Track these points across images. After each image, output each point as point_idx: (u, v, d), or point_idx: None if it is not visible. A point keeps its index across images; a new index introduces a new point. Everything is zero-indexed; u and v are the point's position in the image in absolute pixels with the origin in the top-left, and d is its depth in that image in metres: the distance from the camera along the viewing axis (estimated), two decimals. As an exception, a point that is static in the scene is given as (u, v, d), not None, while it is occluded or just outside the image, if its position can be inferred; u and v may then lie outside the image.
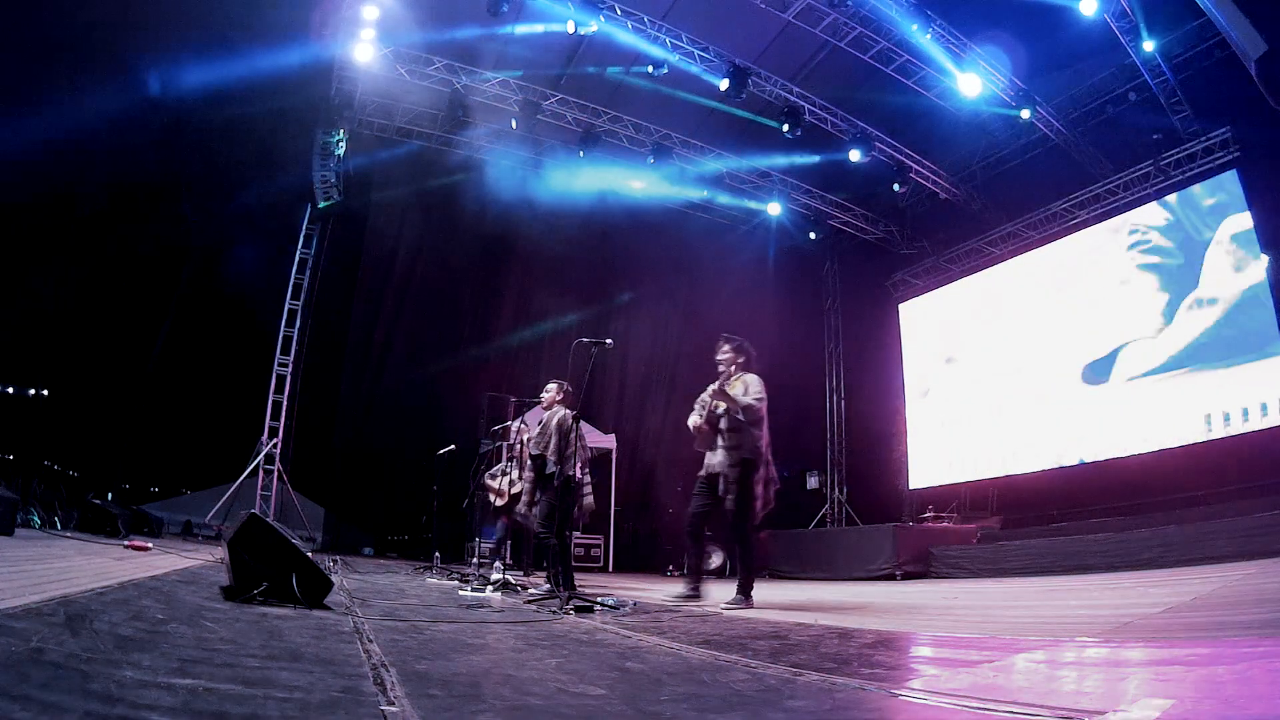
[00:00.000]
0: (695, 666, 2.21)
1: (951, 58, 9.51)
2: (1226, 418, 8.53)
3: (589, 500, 7.04)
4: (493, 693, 1.65)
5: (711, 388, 4.93)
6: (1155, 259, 9.75)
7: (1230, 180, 8.99)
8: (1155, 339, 9.50)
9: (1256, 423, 8.23)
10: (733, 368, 5.00)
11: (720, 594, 4.81)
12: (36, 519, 7.50)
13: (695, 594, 4.85)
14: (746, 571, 4.75)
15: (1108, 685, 1.87)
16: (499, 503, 7.87)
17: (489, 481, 7.93)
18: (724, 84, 9.96)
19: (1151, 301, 9.64)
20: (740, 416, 4.78)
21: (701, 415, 4.94)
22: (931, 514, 11.24)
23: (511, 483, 7.83)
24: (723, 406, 4.85)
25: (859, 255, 14.21)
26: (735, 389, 4.88)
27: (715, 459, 4.88)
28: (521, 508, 6.51)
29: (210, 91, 9.82)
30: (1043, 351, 10.91)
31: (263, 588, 3.04)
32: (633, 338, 14.59)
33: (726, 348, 5.06)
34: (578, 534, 10.15)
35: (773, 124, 10.89)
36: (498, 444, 8.06)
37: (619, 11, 9.44)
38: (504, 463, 7.95)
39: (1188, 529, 6.72)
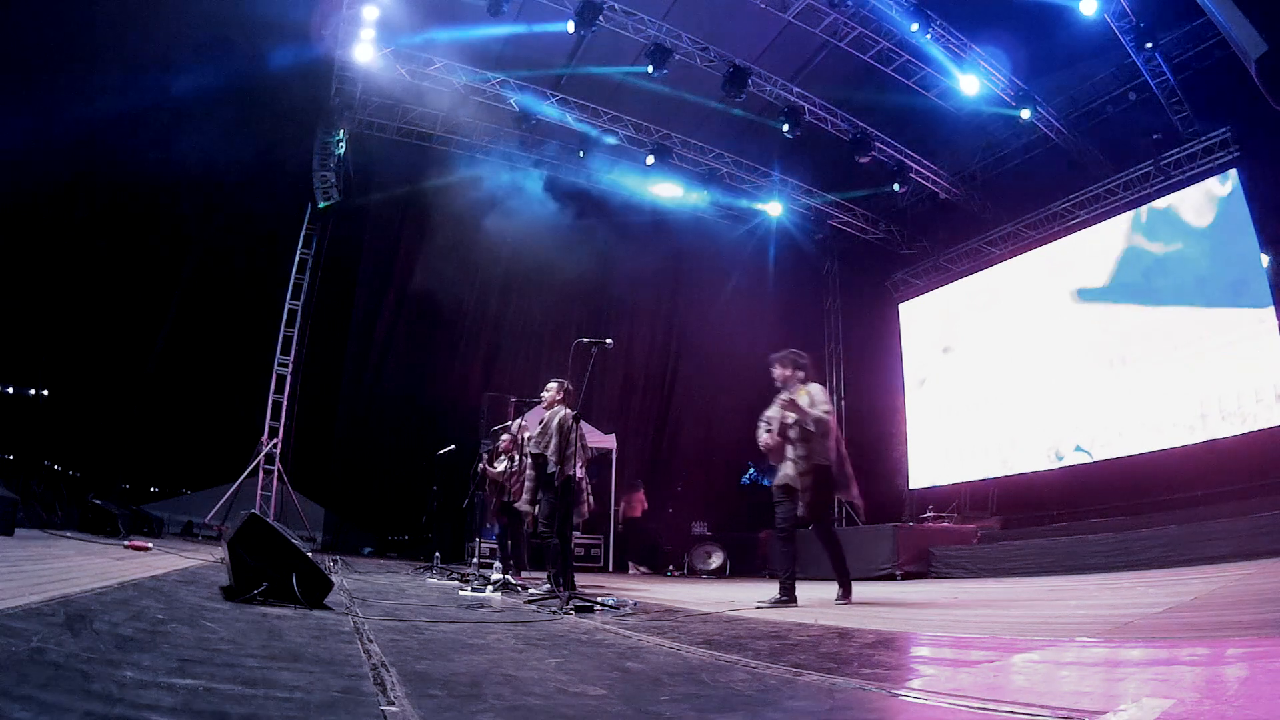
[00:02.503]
0: (695, 666, 2.21)
1: (951, 58, 9.52)
2: (1221, 407, 8.54)
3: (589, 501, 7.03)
4: (493, 693, 1.65)
5: (780, 399, 4.96)
6: (1156, 259, 9.75)
7: (1230, 180, 8.99)
8: (1156, 339, 9.50)
9: (1255, 422, 8.23)
10: (795, 383, 4.99)
11: (704, 593, 4.81)
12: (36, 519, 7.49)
13: (789, 599, 4.76)
14: (841, 573, 4.88)
15: (1108, 685, 1.87)
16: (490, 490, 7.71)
17: (490, 469, 7.69)
18: (724, 84, 9.95)
19: (1151, 301, 9.63)
20: (810, 427, 4.83)
21: (771, 431, 4.95)
22: (931, 514, 11.23)
23: (487, 465, 7.71)
24: (792, 416, 4.88)
25: (859, 255, 14.20)
26: (801, 400, 4.89)
27: (786, 470, 4.93)
28: (523, 505, 6.48)
29: (211, 91, 9.82)
30: (1042, 351, 10.90)
31: (263, 588, 3.04)
32: (633, 338, 14.58)
33: (778, 368, 5.05)
34: (577, 534, 10.13)
35: (773, 124, 10.90)
36: (497, 444, 8.01)
37: (619, 11, 9.45)
38: (500, 451, 7.76)
39: (1188, 529, 6.70)
